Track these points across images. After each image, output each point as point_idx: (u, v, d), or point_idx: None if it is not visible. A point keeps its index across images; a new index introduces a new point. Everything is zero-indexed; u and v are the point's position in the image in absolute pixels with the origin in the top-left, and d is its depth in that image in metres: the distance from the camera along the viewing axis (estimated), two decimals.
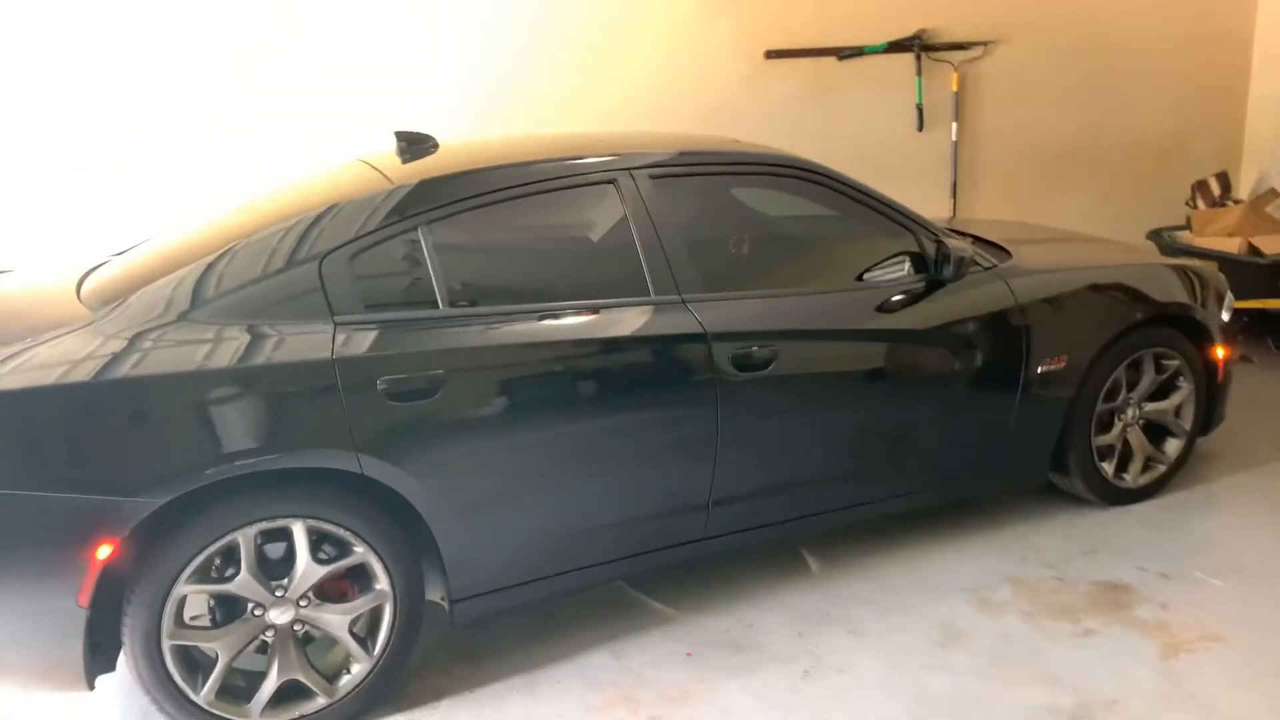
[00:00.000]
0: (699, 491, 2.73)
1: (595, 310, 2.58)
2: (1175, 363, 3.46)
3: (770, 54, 5.25)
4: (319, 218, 2.48)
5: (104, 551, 2.12)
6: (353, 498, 2.35)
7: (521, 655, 2.73)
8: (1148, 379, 3.44)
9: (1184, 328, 3.47)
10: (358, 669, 2.44)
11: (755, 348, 2.68)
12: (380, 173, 2.68)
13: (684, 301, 2.65)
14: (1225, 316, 3.64)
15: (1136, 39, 5.82)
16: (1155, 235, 5.53)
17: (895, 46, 5.39)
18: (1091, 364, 3.25)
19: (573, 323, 2.55)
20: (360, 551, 2.38)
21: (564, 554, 2.64)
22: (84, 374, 2.14)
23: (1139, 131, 5.97)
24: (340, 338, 2.31)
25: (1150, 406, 3.49)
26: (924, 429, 3.08)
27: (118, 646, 2.29)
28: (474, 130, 4.28)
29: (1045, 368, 3.16)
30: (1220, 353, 3.56)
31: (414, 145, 2.92)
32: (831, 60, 5.34)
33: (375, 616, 2.45)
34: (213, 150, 4.35)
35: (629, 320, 2.59)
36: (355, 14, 4.55)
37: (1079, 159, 5.88)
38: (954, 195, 5.69)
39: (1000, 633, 2.78)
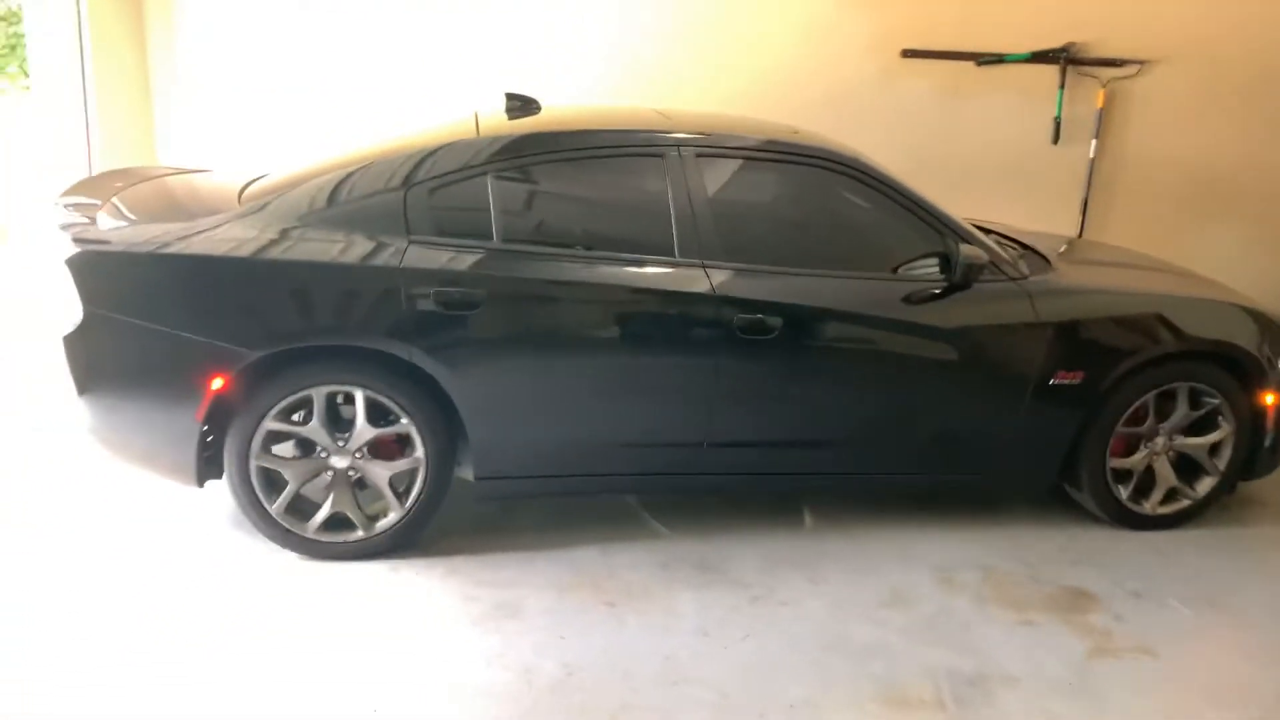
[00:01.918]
0: (695, 432, 3.16)
1: (625, 262, 3.05)
2: (1215, 401, 3.49)
3: (906, 53, 5.42)
4: (416, 157, 3.09)
5: (217, 384, 2.85)
6: (404, 380, 2.97)
7: (527, 537, 3.30)
8: (1180, 412, 3.49)
9: (1231, 367, 3.48)
10: (392, 516, 3.09)
11: (761, 315, 3.06)
12: (478, 128, 3.25)
13: (703, 265, 3.06)
14: None
15: None
16: None
17: (1040, 57, 5.39)
18: (1113, 385, 3.37)
19: (604, 269, 3.04)
20: (405, 423, 3.00)
21: (574, 460, 3.16)
22: (222, 250, 2.86)
23: None
24: (410, 253, 2.92)
25: (1184, 440, 3.53)
26: (926, 416, 3.33)
27: (222, 463, 3.04)
28: (628, 98, 4.90)
29: (1059, 380, 3.32)
30: (1271, 399, 3.53)
31: (520, 105, 3.48)
32: (969, 65, 5.43)
33: (411, 477, 3.07)
34: (385, 92, 5.16)
35: (651, 274, 3.05)
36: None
37: (1231, 194, 5.63)
38: (1083, 213, 5.63)
39: (944, 606, 3.05)
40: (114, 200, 3.20)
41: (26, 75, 4.83)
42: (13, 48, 4.88)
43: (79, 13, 4.43)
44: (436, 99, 5.06)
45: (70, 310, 2.84)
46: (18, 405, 4.19)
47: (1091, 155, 5.54)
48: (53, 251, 2.92)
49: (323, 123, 5.18)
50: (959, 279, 3.17)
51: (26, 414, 4.08)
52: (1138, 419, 3.47)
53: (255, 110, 5.25)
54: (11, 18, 4.75)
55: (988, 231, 3.76)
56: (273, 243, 2.91)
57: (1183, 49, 5.41)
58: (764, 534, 3.42)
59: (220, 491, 3.10)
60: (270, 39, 5.24)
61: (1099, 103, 5.46)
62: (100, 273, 2.83)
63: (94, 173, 4.59)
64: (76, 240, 2.85)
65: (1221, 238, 5.63)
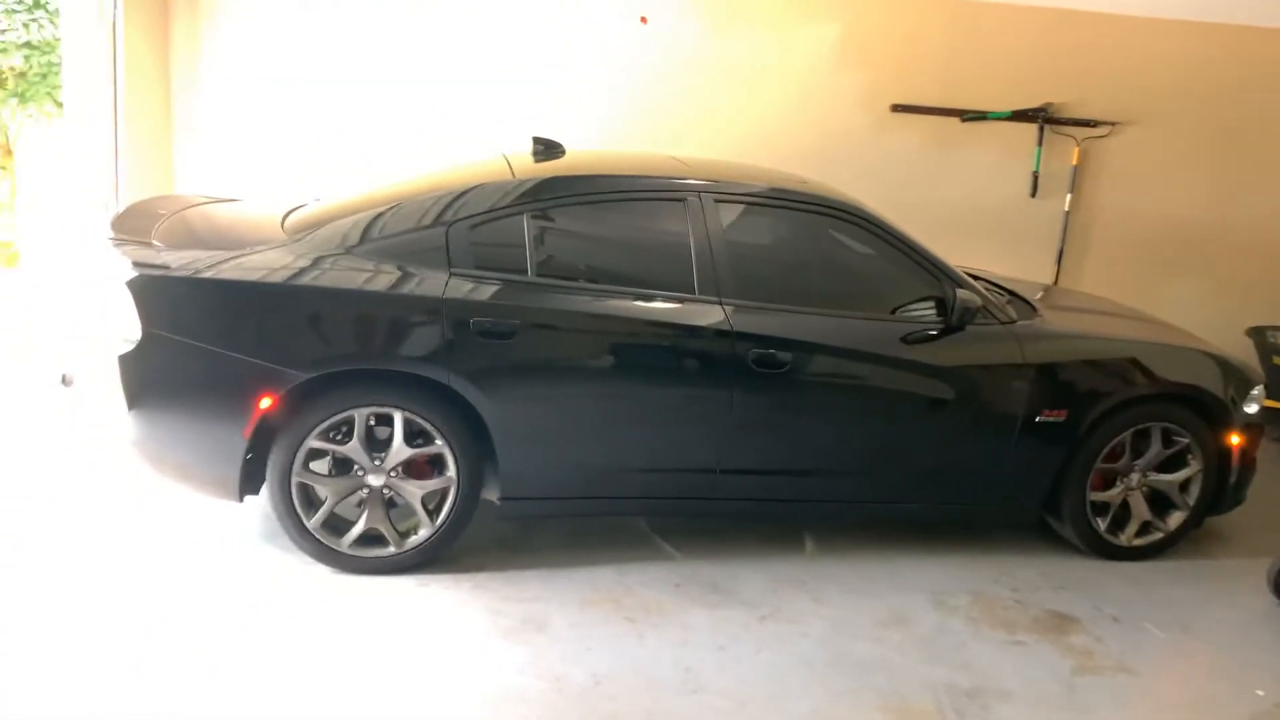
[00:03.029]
0: (710, 459, 3.38)
1: (648, 297, 3.28)
2: (1184, 440, 3.77)
3: (896, 107, 5.76)
4: (458, 195, 3.30)
5: (265, 403, 3.02)
6: (441, 403, 3.16)
7: (548, 555, 3.48)
8: (1154, 450, 3.76)
9: (1199, 409, 3.77)
10: (423, 533, 3.26)
11: (774, 350, 3.30)
12: (511, 169, 3.48)
13: (720, 302, 3.30)
14: (1251, 408, 3.89)
15: (1277, 135, 5.88)
16: (1256, 331, 5.62)
17: (1020, 115, 5.76)
18: (1093, 424, 3.64)
19: (628, 304, 3.26)
20: (440, 444, 3.19)
21: (594, 483, 3.35)
22: (277, 277, 3.05)
23: (1267, 228, 6.01)
24: (451, 284, 3.13)
25: (1156, 477, 3.81)
26: (922, 449, 3.57)
27: (262, 479, 3.19)
28: (632, 140, 5.19)
29: (1044, 418, 3.58)
30: (1235, 439, 3.82)
31: (546, 149, 3.73)
32: (954, 120, 5.78)
33: (443, 496, 3.25)
34: (418, 129, 5.41)
35: (672, 309, 3.28)
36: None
37: (1197, 246, 6.02)
38: (1059, 263, 5.98)
39: (940, 626, 3.27)
40: (165, 226, 3.37)
41: (57, 104, 5.00)
42: (43, 76, 5.05)
43: (114, 49, 4.63)
44: (445, 142, 5.31)
45: (128, 330, 3.00)
46: (51, 421, 4.31)
47: (1066, 208, 5.90)
48: (101, 274, 3.09)
49: (333, 160, 5.42)
50: (955, 321, 3.43)
51: (60, 429, 4.20)
52: (1115, 455, 3.74)
53: (267, 145, 5.48)
54: (45, 47, 4.92)
55: (976, 278, 4.05)
56: (323, 271, 3.10)
57: (1152, 112, 5.82)
58: (768, 557, 3.62)
59: (242, 510, 3.24)
60: (281, 81, 5.47)
61: (1074, 159, 5.84)
62: (160, 295, 3.00)
63: (123, 201, 4.76)
64: (137, 264, 3.02)
65: (1187, 287, 6.01)
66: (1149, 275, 6.00)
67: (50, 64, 4.93)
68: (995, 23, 5.68)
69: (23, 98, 5.11)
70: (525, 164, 3.55)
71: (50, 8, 4.83)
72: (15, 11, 4.74)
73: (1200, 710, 2.93)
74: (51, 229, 5.40)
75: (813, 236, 3.57)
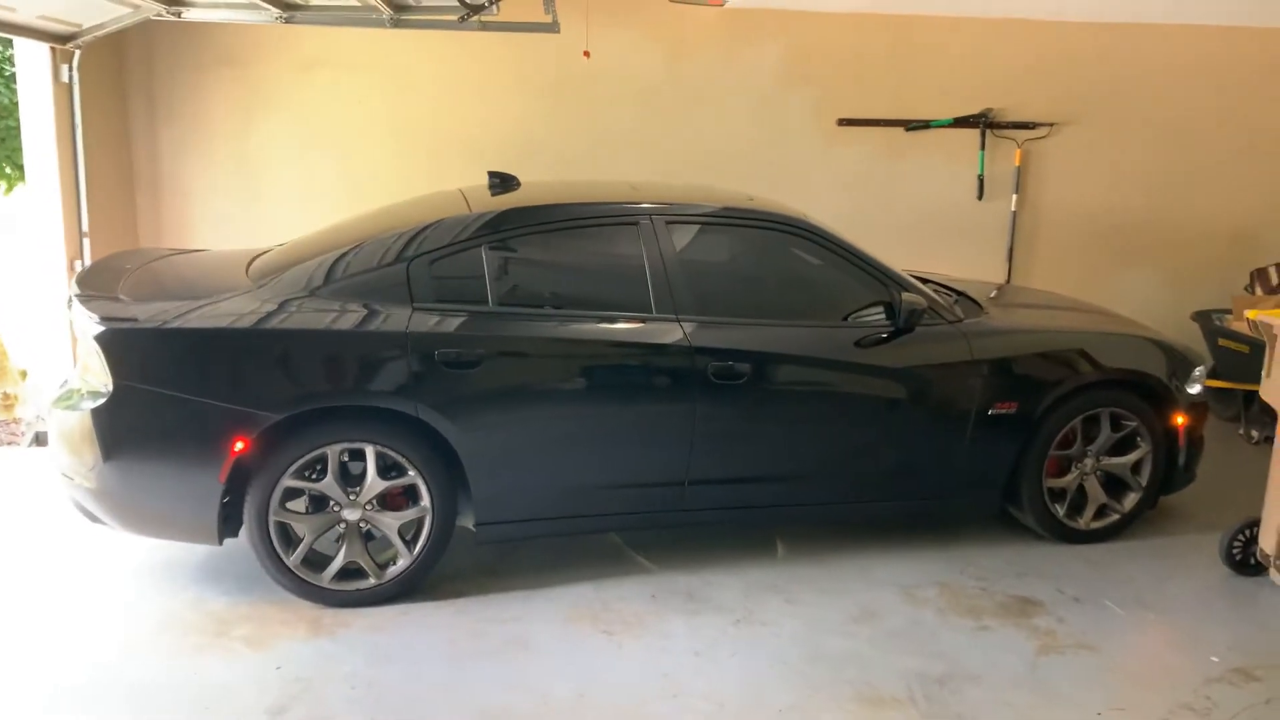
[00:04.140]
0: (677, 471, 3.48)
1: (607, 319, 3.40)
2: (1132, 424, 3.92)
3: (842, 121, 5.95)
4: (417, 232, 3.41)
5: (238, 446, 3.10)
6: (411, 435, 3.24)
7: (526, 577, 3.56)
8: (1104, 435, 3.91)
9: (1144, 393, 3.93)
10: (401, 563, 3.33)
11: (732, 362, 3.42)
12: (467, 203, 3.60)
13: (677, 319, 3.42)
14: (1194, 389, 4.05)
15: (1210, 128, 6.12)
16: (1201, 315, 5.82)
17: (961, 122, 5.96)
18: (1044, 414, 3.78)
19: (588, 326, 3.37)
20: (412, 475, 3.27)
21: (567, 503, 3.45)
22: (244, 322, 3.14)
23: (1208, 217, 6.24)
24: (414, 319, 3.23)
25: (1108, 460, 3.96)
26: (882, 448, 3.70)
27: (240, 521, 3.25)
28: (588, 165, 5.36)
29: (996, 411, 3.72)
30: (1180, 420, 3.98)
31: (501, 182, 3.85)
32: (899, 130, 5.97)
33: (419, 526, 3.33)
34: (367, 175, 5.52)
35: (631, 329, 3.40)
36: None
37: (1142, 238, 6.23)
38: (1009, 261, 6.17)
39: (910, 618, 3.38)
40: (132, 279, 3.45)
41: (17, 168, 5.07)
42: (2, 140, 5.12)
43: (72, 112, 4.72)
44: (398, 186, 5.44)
45: (99, 383, 3.07)
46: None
47: (1013, 208, 6.10)
48: (74, 329, 3.16)
49: (288, 205, 5.56)
50: (902, 324, 3.57)
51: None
52: (1068, 442, 3.88)
53: (227, 197, 5.61)
54: (3, 112, 5.00)
55: (925, 281, 4.21)
56: (288, 313, 3.19)
57: (1089, 111, 6.05)
58: (741, 564, 3.72)
59: (238, 550, 3.31)
60: (232, 139, 5.60)
61: (1016, 161, 6.05)
62: (128, 347, 3.07)
63: (94, 257, 4.82)
64: (104, 319, 3.10)
65: (1135, 277, 6.22)
66: (1098, 268, 6.21)
67: (9, 128, 5.00)
68: (933, 35, 5.89)
69: None
70: (481, 197, 3.67)
71: (7, 74, 4.91)
72: None
73: (1157, 679, 3.06)
74: (20, 290, 5.45)
75: (762, 251, 3.71)
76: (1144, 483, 3.98)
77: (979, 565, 3.79)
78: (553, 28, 4.78)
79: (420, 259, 3.32)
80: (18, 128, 4.86)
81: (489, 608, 3.35)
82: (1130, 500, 4.00)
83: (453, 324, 3.25)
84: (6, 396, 5.69)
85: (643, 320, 3.42)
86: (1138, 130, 6.09)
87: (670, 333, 3.40)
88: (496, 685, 2.89)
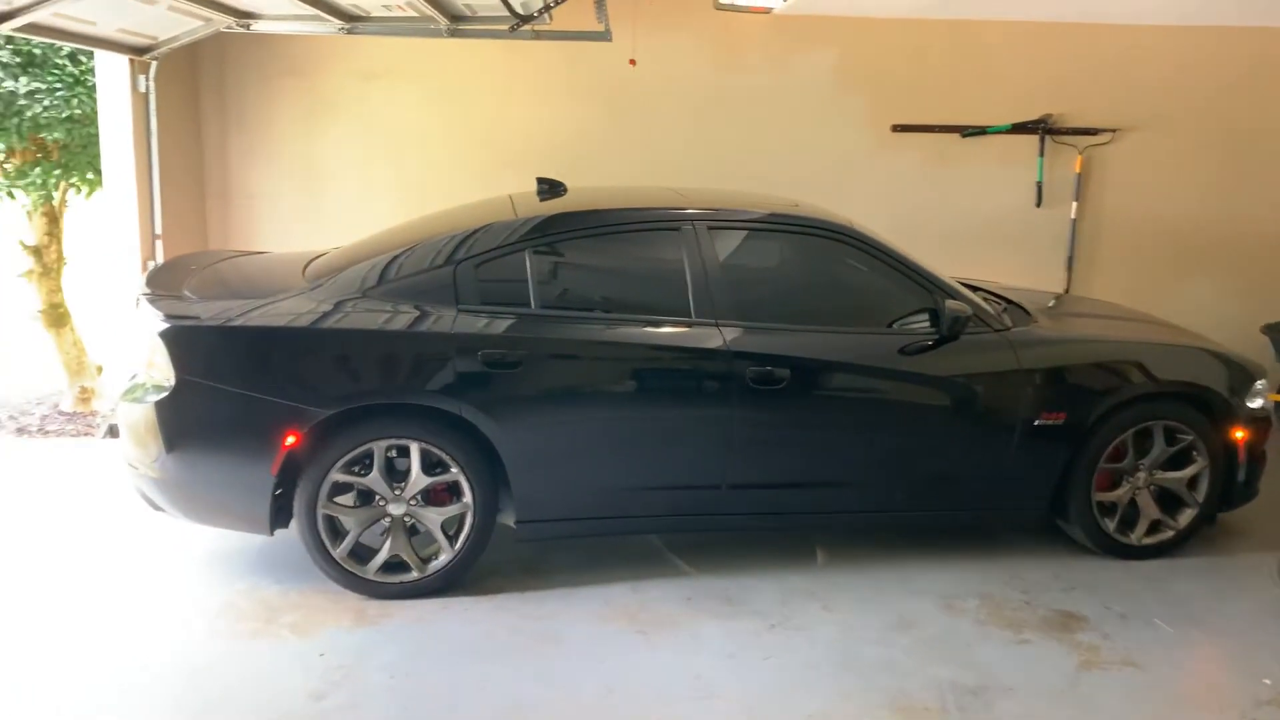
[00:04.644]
0: (715, 475, 3.51)
1: (647, 323, 3.45)
2: (1189, 438, 3.81)
3: (896, 127, 5.90)
4: (466, 236, 3.51)
5: (290, 440, 3.22)
6: (455, 433, 3.33)
7: (565, 575, 3.62)
8: (1158, 448, 3.81)
9: (1201, 407, 3.82)
10: (443, 558, 3.42)
11: (771, 367, 3.44)
12: (514, 208, 3.69)
13: (717, 324, 3.45)
14: (1256, 403, 3.92)
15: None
16: (1272, 329, 5.62)
17: (1020, 128, 5.86)
18: (1093, 425, 3.70)
19: (628, 330, 3.43)
20: (455, 472, 3.36)
21: (605, 503, 3.50)
22: (300, 321, 3.27)
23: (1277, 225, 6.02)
24: (459, 320, 3.32)
25: (1163, 475, 3.85)
26: (923, 457, 3.67)
27: (291, 513, 3.38)
28: (638, 171, 5.44)
29: (1043, 421, 3.66)
30: (1240, 434, 3.85)
31: (549, 188, 3.93)
32: (954, 136, 5.90)
33: (461, 521, 3.41)
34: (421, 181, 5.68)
35: (670, 333, 3.44)
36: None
37: (1211, 248, 6.04)
38: (1069, 270, 6.04)
39: (947, 628, 3.34)
40: (196, 280, 3.62)
41: (97, 174, 5.34)
42: (84, 147, 5.39)
43: (149, 121, 4.96)
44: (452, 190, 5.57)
45: (163, 378, 3.23)
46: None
47: (1073, 216, 5.97)
48: (143, 327, 3.34)
49: (348, 209, 5.75)
50: (946, 331, 3.54)
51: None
52: (1118, 455, 3.79)
53: (288, 202, 5.83)
54: (85, 120, 5.26)
55: (975, 289, 4.15)
56: (340, 314, 3.32)
57: (1153, 116, 5.89)
58: (780, 570, 3.73)
59: (289, 541, 3.44)
60: (296, 145, 5.81)
61: (1077, 168, 5.92)
62: (191, 344, 3.23)
63: (166, 258, 5.06)
64: (169, 316, 3.26)
65: (1201, 288, 6.03)
66: (1163, 278, 6.03)
67: (90, 135, 5.27)
68: (991, 40, 5.81)
69: (66, 169, 5.45)
70: (528, 203, 3.75)
71: (89, 84, 5.17)
72: (57, 90, 5.08)
73: (1203, 699, 2.97)
74: (96, 290, 5.74)
75: (805, 257, 3.72)
76: (1200, 498, 3.86)
77: (1024, 578, 3.73)
78: (604, 36, 4.85)
79: (466, 262, 3.41)
80: (98, 135, 5.11)
81: (526, 604, 3.42)
82: (1186, 516, 3.89)
83: (496, 326, 3.33)
84: (84, 390, 5.99)
85: (682, 325, 3.46)
86: (1206, 135, 5.91)
87: (709, 337, 3.43)
88: (529, 679, 2.95)
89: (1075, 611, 3.48)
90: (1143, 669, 3.12)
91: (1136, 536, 3.87)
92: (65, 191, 5.79)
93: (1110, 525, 3.83)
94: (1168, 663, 3.17)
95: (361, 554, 3.41)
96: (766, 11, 5.03)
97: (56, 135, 5.24)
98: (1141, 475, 3.83)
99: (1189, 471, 3.85)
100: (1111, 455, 3.78)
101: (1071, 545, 3.94)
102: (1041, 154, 5.89)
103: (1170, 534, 3.89)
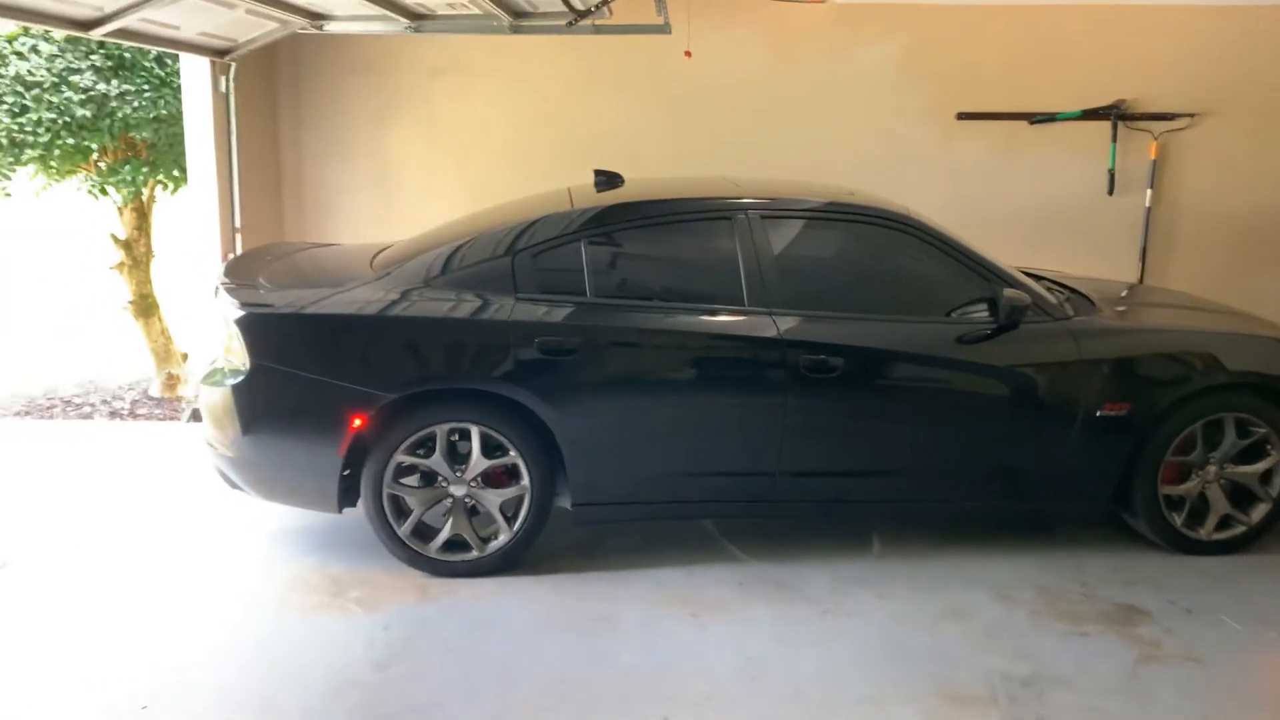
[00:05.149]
0: (769, 462, 3.54)
1: (701, 311, 3.49)
2: (1262, 430, 3.70)
3: (961, 115, 5.81)
4: (525, 227, 3.60)
5: (357, 422, 3.37)
6: (513, 418, 3.44)
7: (620, 558, 3.70)
8: (1229, 441, 3.71)
9: (1276, 398, 3.70)
10: (502, 538, 3.53)
11: (824, 356, 3.45)
12: (571, 200, 3.77)
13: (770, 313, 3.48)
14: None
15: None
16: None
17: (1090, 114, 5.72)
18: (1159, 417, 3.62)
19: (682, 318, 3.48)
20: (513, 455, 3.46)
21: (659, 488, 3.56)
22: (367, 310, 3.41)
23: None
24: (518, 308, 3.42)
25: (1234, 468, 3.74)
26: (980, 447, 3.63)
27: (357, 493, 3.53)
28: (697, 162, 5.48)
29: (1105, 412, 3.59)
30: None
31: (607, 180, 4.01)
32: (1022, 124, 5.78)
33: (519, 503, 3.52)
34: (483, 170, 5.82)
35: (723, 322, 3.48)
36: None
37: None
38: (1143, 260, 5.87)
39: (1000, 619, 3.31)
40: (270, 270, 3.80)
41: (182, 170, 5.61)
42: (170, 145, 5.67)
43: (229, 120, 5.20)
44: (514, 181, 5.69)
45: (239, 362, 3.41)
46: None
47: (1147, 204, 5.80)
48: (221, 315, 3.52)
49: (416, 202, 5.93)
50: (1004, 320, 3.50)
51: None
52: (1187, 448, 3.69)
53: (359, 196, 6.03)
54: (171, 120, 5.54)
55: (1039, 278, 4.09)
56: (403, 302, 3.45)
57: (1233, 100, 5.67)
58: (834, 558, 3.74)
59: (357, 519, 3.59)
60: (367, 141, 5.99)
61: (1152, 154, 5.74)
62: (265, 330, 3.40)
63: (243, 249, 5.30)
64: (244, 304, 3.43)
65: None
66: (1242, 269, 5.82)
67: (176, 134, 5.54)
68: (1059, 24, 5.68)
69: (154, 167, 5.74)
70: (586, 194, 3.83)
71: (174, 86, 5.44)
72: (145, 91, 5.35)
73: (1267, 697, 2.90)
74: (182, 282, 6.03)
75: (860, 246, 3.72)
76: (1274, 494, 3.74)
77: (1084, 571, 3.67)
78: (664, 29, 4.90)
79: (524, 252, 3.51)
80: (183, 134, 5.37)
81: (582, 585, 3.51)
82: (1260, 512, 3.77)
83: (552, 314, 3.42)
84: (170, 377, 6.31)
85: (736, 313, 3.49)
86: None
87: (763, 326, 3.46)
88: (581, 656, 3.04)
89: (1137, 605, 3.42)
90: (1205, 665, 3.06)
91: (1206, 531, 3.77)
92: (153, 188, 6.10)
93: (1178, 520, 3.74)
94: (1232, 660, 3.10)
95: (424, 533, 3.54)
96: (821, 0, 5.01)
97: (145, 135, 5.52)
98: (1212, 469, 3.73)
99: (1262, 465, 3.73)
100: (1179, 448, 3.69)
101: (1136, 540, 3.85)
102: (1114, 140, 5.74)
103: (1242, 530, 3.78)
